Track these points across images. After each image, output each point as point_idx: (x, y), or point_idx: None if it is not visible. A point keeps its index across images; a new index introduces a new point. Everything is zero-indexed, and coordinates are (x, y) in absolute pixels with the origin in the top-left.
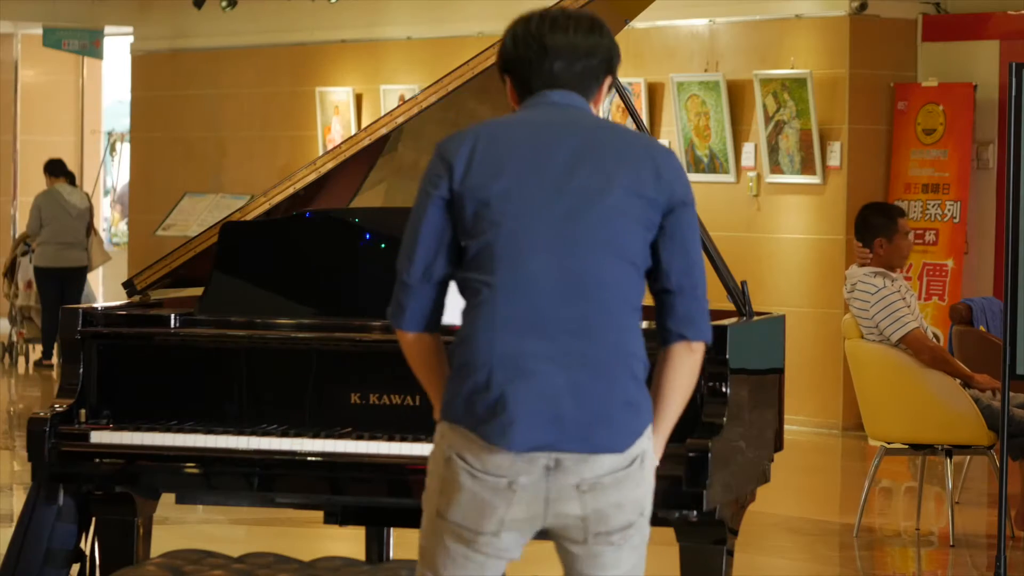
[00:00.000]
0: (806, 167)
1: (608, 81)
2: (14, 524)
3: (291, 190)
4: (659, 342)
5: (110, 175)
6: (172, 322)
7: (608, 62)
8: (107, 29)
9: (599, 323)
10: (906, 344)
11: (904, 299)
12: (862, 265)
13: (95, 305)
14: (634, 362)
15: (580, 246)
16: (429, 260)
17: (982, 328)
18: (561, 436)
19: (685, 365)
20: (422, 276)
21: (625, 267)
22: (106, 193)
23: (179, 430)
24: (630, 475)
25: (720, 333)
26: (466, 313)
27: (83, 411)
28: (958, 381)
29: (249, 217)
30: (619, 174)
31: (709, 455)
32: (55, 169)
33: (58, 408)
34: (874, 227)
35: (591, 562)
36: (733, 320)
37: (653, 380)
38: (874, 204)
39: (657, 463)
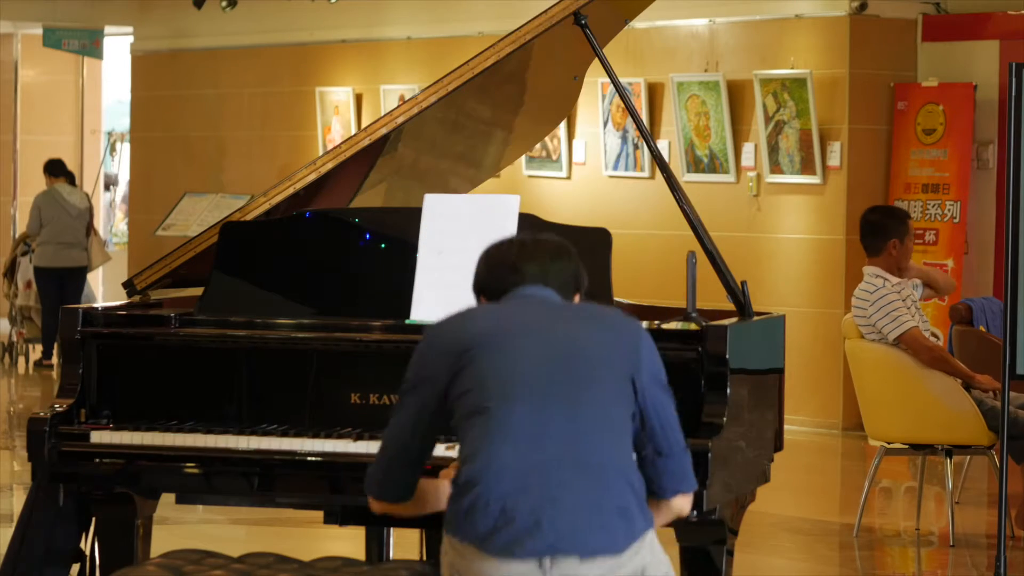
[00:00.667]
0: (806, 167)
1: (577, 299)
2: (14, 524)
3: (291, 190)
4: (652, 495)
5: (117, 174)
6: (172, 322)
7: (577, 282)
8: (107, 29)
9: (593, 441)
10: (904, 343)
11: (903, 300)
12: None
13: (95, 305)
14: (628, 472)
15: (571, 389)
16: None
17: (982, 328)
18: (556, 545)
19: (682, 511)
20: None
21: (615, 404)
22: (107, 188)
23: (179, 430)
24: None
25: (720, 333)
26: (465, 432)
27: (83, 411)
28: (959, 381)
29: (249, 217)
30: (597, 333)
31: (709, 455)
32: (55, 169)
33: (58, 408)
34: (888, 229)
35: None
36: (733, 320)
37: None
38: (881, 207)
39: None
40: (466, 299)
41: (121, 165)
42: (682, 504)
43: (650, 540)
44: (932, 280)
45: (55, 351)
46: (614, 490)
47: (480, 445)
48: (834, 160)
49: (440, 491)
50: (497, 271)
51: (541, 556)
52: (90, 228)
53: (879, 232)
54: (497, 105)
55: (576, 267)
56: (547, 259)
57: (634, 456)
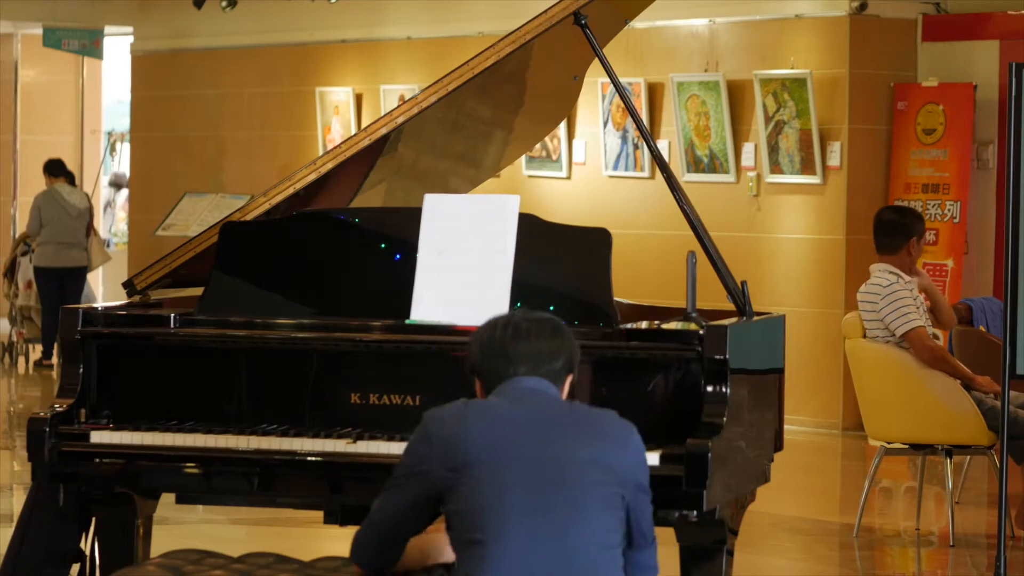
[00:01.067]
0: (806, 167)
1: (570, 379)
2: (14, 524)
3: (291, 190)
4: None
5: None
6: (172, 322)
7: (570, 363)
8: (107, 29)
9: (583, 556)
10: (908, 340)
11: (913, 299)
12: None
13: (95, 305)
14: None
15: (564, 511)
16: None
17: (982, 328)
18: None
19: None
20: None
21: (598, 513)
22: (118, 188)
23: (179, 430)
24: None
25: (720, 333)
26: (458, 546)
27: (83, 411)
28: (959, 382)
29: (249, 217)
30: (587, 448)
31: (709, 455)
32: (55, 169)
33: (58, 408)
34: (909, 228)
35: None
36: (733, 320)
37: None
38: (896, 207)
39: None
40: (466, 299)
41: (121, 165)
42: None
43: None
44: (936, 305)
45: (55, 351)
46: None
47: (475, 570)
48: (834, 160)
49: (427, 546)
50: (491, 359)
51: None
52: (90, 228)
53: (899, 231)
54: (497, 105)
55: (570, 347)
56: (542, 343)
57: (621, 562)
